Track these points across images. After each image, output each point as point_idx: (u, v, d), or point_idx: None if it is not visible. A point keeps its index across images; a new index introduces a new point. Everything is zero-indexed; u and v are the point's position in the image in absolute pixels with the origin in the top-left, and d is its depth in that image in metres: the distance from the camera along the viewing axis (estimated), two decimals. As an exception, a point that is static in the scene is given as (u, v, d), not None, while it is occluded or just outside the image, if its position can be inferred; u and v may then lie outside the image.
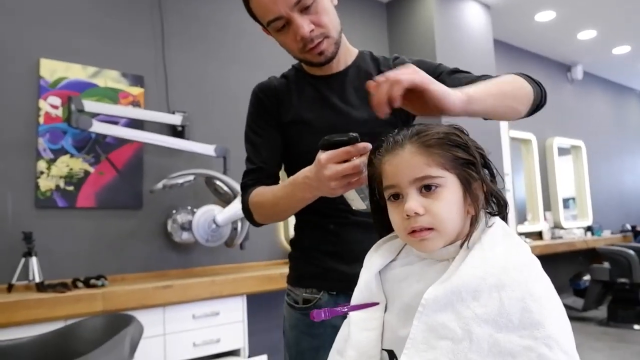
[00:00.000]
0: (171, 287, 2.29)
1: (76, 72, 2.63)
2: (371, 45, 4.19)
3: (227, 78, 3.18)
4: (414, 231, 0.69)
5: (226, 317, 2.48)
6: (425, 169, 0.69)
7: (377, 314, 0.74)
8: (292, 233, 1.28)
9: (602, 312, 4.81)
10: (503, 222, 0.73)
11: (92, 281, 2.33)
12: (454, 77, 1.11)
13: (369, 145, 0.84)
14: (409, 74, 0.77)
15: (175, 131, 2.89)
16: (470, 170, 0.71)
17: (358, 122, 1.13)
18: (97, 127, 2.49)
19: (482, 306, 0.62)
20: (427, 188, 0.70)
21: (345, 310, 0.74)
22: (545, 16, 4.83)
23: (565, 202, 5.91)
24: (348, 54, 1.21)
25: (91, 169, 2.63)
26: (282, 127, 1.19)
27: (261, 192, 1.12)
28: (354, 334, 0.73)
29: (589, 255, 5.32)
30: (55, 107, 2.54)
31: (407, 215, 0.69)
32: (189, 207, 2.82)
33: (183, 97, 2.99)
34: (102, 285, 2.32)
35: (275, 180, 1.19)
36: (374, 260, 0.78)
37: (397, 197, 0.72)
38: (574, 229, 5.68)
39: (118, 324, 1.60)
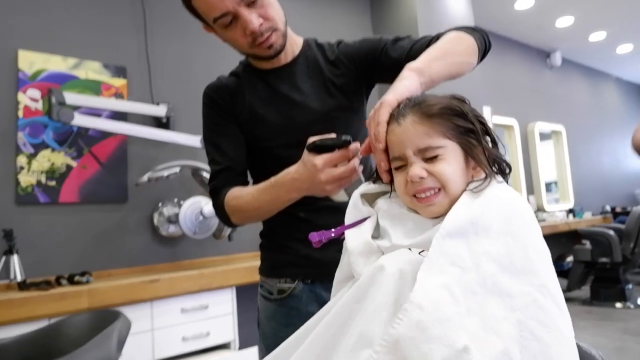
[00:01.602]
0: (158, 281, 2.26)
1: (56, 63, 2.56)
2: (357, 35, 4.17)
3: (212, 67, 3.13)
4: (420, 198, 0.72)
5: (215, 310, 2.46)
6: (426, 139, 0.72)
7: (370, 225, 0.77)
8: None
9: (585, 292, 4.93)
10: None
11: (77, 278, 2.28)
12: (397, 45, 1.14)
13: (357, 146, 0.87)
14: (383, 110, 0.79)
15: (160, 123, 2.84)
16: (471, 138, 0.74)
17: (314, 110, 1.15)
18: (79, 120, 2.44)
19: (492, 245, 0.65)
20: (429, 159, 0.73)
21: (339, 231, 0.77)
22: (524, 4, 4.88)
23: (548, 185, 6.01)
24: (295, 44, 1.21)
25: (74, 163, 2.57)
26: (239, 125, 1.17)
27: (238, 195, 1.10)
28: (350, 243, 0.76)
29: (572, 237, 5.43)
30: (35, 100, 2.47)
31: (412, 181, 0.72)
32: (176, 200, 2.79)
33: (167, 87, 2.94)
34: (87, 282, 2.27)
35: (245, 178, 1.18)
36: (356, 191, 0.82)
37: (402, 167, 0.76)
38: (557, 212, 5.79)
39: (104, 320, 1.56)
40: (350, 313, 0.66)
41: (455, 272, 0.62)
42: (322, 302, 1.09)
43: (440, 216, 0.72)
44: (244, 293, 2.72)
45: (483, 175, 0.73)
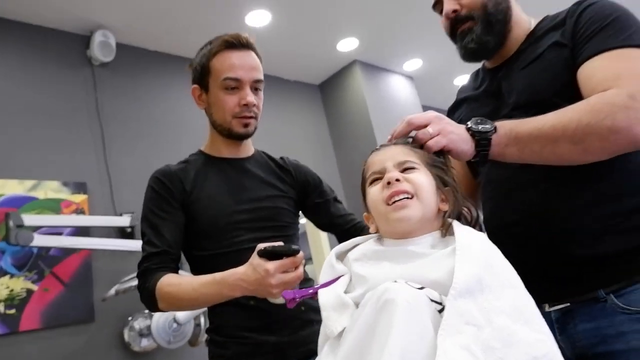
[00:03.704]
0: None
1: (12, 187, 2.53)
2: (312, 124, 4.36)
3: (172, 173, 3.17)
4: (394, 203, 0.74)
5: None
6: (406, 157, 0.80)
7: (343, 282, 0.77)
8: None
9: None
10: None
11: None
12: (336, 207, 1.40)
13: (302, 255, 0.98)
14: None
15: (124, 233, 2.79)
16: (446, 176, 0.79)
17: (260, 196, 1.28)
18: (39, 241, 2.37)
19: (497, 299, 0.65)
20: (406, 170, 0.78)
21: (313, 290, 0.78)
22: (463, 79, 5.25)
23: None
24: (249, 148, 1.40)
25: (34, 287, 2.46)
26: (185, 207, 1.24)
27: (175, 283, 1.11)
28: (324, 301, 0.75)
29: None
30: (-8, 227, 2.41)
31: (388, 183, 0.75)
32: (146, 311, 2.67)
33: (129, 197, 2.93)
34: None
35: (178, 264, 1.22)
36: (332, 250, 0.84)
37: (378, 179, 0.79)
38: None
39: None
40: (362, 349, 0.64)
41: (471, 331, 0.62)
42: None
43: (410, 231, 0.74)
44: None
45: (447, 208, 0.78)
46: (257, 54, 1.31)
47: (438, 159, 0.81)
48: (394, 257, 0.74)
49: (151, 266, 1.15)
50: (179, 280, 1.12)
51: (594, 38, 0.93)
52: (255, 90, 1.28)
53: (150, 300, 1.13)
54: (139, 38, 3.33)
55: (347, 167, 4.27)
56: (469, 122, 0.86)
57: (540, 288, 0.96)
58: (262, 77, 1.30)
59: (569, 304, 0.94)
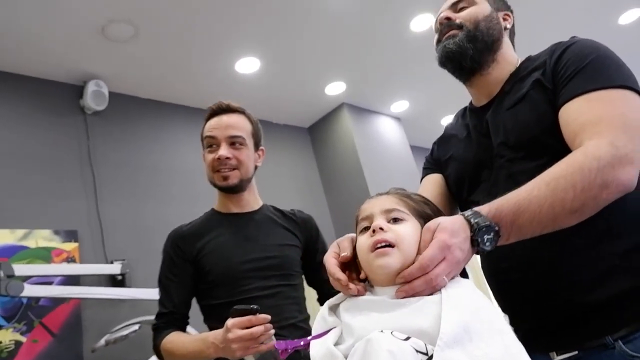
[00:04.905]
0: None
1: (3, 237, 2.52)
2: (301, 166, 4.42)
3: (164, 218, 3.16)
4: (377, 249, 0.76)
5: None
6: (394, 205, 0.82)
7: (334, 334, 0.77)
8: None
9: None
10: None
11: None
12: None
13: (267, 317, 1.06)
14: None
15: (115, 281, 2.77)
16: None
17: (265, 245, 1.39)
18: (29, 291, 2.34)
19: (489, 346, 0.64)
20: (393, 220, 0.80)
21: (305, 342, 0.79)
22: (450, 120, 5.37)
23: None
24: (256, 202, 1.52)
25: (23, 339, 2.41)
26: (197, 262, 1.38)
27: (173, 340, 1.29)
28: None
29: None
30: (-19, 278, 2.38)
31: (373, 231, 0.77)
32: (137, 361, 2.61)
33: (120, 245, 2.92)
34: None
35: (185, 322, 1.40)
36: (326, 303, 0.84)
37: (367, 228, 0.81)
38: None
39: None
40: None
41: None
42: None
43: (390, 279, 0.75)
44: None
45: None
46: (245, 114, 1.47)
47: (427, 212, 0.84)
48: (381, 306, 0.74)
49: (160, 324, 1.35)
50: (178, 338, 1.29)
51: (572, 80, 0.93)
52: (232, 144, 1.41)
53: (159, 356, 1.32)
54: (131, 86, 3.41)
55: (338, 208, 4.30)
56: (476, 238, 0.75)
57: (545, 335, 0.94)
58: (240, 133, 1.43)
59: (577, 352, 0.90)
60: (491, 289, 1.10)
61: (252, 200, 1.50)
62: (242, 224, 1.44)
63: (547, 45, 1.06)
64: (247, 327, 1.05)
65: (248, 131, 1.46)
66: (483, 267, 1.09)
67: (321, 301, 1.51)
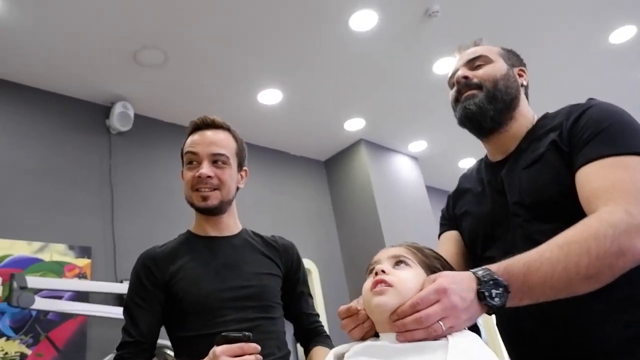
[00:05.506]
0: None
1: (21, 248, 2.57)
2: (315, 200, 4.44)
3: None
4: (376, 289, 0.77)
5: None
6: (403, 253, 0.84)
7: None
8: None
9: None
10: None
11: None
12: (309, 303, 1.43)
13: (258, 347, 1.01)
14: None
15: (123, 301, 2.77)
16: None
17: (244, 273, 1.29)
18: (39, 304, 2.37)
19: None
20: (397, 264, 0.82)
21: None
22: (467, 162, 5.37)
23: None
24: (235, 226, 1.41)
25: (28, 351, 2.41)
26: (169, 287, 1.26)
27: None
28: None
29: None
30: (-5, 287, 2.42)
31: (376, 273, 0.78)
32: (137, 383, 2.59)
33: (131, 264, 2.90)
34: None
35: (151, 353, 1.26)
36: (331, 352, 0.84)
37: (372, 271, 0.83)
38: None
39: None
40: None
41: None
42: None
43: (388, 320, 0.75)
44: None
45: None
46: (230, 131, 1.39)
47: (437, 266, 0.85)
48: (385, 353, 0.73)
49: (124, 355, 1.22)
50: None
51: (588, 144, 0.93)
52: (214, 162, 1.31)
53: None
54: (155, 110, 3.51)
55: (349, 244, 4.28)
56: (482, 290, 0.74)
57: None
58: (224, 151, 1.33)
59: None
60: (508, 345, 1.08)
61: (232, 223, 1.40)
62: (220, 248, 1.33)
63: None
64: (238, 356, 0.99)
65: (232, 150, 1.36)
66: (500, 323, 1.08)
67: (297, 336, 1.44)
